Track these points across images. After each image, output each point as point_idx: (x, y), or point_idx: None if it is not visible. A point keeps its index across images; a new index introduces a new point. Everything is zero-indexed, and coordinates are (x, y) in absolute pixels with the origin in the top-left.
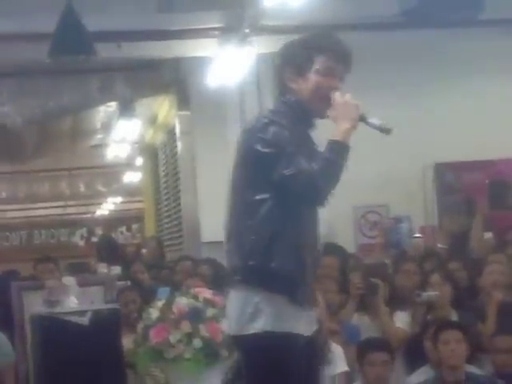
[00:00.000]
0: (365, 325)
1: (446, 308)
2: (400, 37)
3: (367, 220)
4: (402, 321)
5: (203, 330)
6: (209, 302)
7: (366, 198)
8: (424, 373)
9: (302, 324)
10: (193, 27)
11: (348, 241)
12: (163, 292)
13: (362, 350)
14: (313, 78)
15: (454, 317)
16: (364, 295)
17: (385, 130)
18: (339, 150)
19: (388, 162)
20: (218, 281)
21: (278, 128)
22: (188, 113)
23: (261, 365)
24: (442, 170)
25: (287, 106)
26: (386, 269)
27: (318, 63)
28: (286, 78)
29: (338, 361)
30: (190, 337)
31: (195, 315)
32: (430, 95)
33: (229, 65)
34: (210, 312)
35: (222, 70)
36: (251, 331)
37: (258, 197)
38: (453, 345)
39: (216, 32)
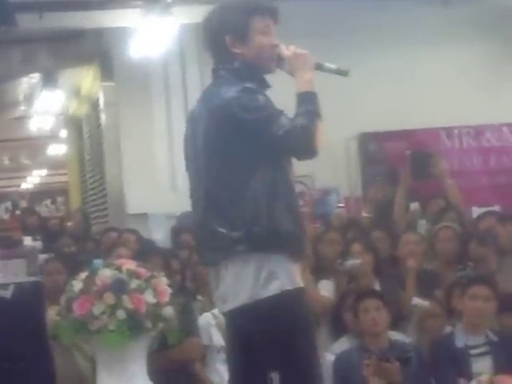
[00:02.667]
0: None
1: (369, 276)
2: (325, 6)
3: None
4: (326, 289)
5: (127, 302)
6: (132, 274)
7: None
8: (347, 342)
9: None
10: None
11: None
12: (97, 264)
13: None
14: (254, 39)
15: (376, 285)
16: None
17: (342, 72)
18: (313, 99)
19: None
20: (142, 252)
21: (253, 93)
22: (112, 84)
23: (284, 323)
24: (366, 140)
25: (238, 72)
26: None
27: (255, 24)
28: (227, 44)
29: None
30: (113, 308)
31: (119, 287)
32: (352, 66)
33: (152, 35)
34: (133, 283)
35: (146, 41)
36: (268, 294)
37: (248, 164)
38: (373, 313)
39: (139, 2)
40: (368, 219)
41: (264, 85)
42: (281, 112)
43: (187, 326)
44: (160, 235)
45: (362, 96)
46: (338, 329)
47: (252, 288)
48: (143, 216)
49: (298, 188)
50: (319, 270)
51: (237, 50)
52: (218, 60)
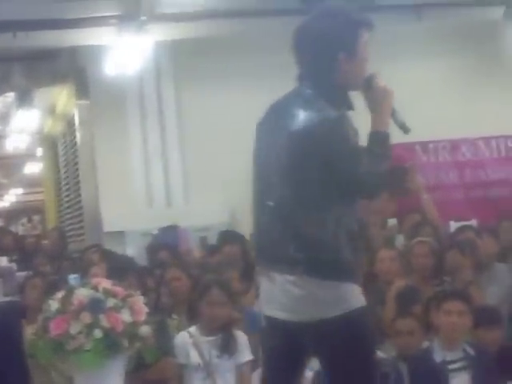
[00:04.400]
0: None
1: None
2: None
3: None
4: None
5: (103, 321)
6: (109, 293)
7: None
8: None
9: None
10: (90, 15)
11: (250, 227)
12: (73, 279)
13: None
14: (360, 54)
15: None
16: None
17: (405, 128)
18: (389, 143)
19: None
20: (118, 270)
21: (342, 123)
22: (87, 102)
23: (354, 339)
24: None
25: (329, 94)
26: None
27: (362, 38)
28: (339, 61)
29: (243, 349)
30: (90, 328)
31: (95, 306)
32: None
33: (127, 53)
34: (110, 302)
35: (121, 59)
36: (336, 313)
37: (320, 189)
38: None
39: (113, 20)
40: None
41: (349, 106)
42: (363, 150)
43: (163, 344)
44: (136, 253)
45: None
46: None
47: (319, 308)
48: (119, 234)
49: None
50: None
51: (346, 67)
52: (313, 72)
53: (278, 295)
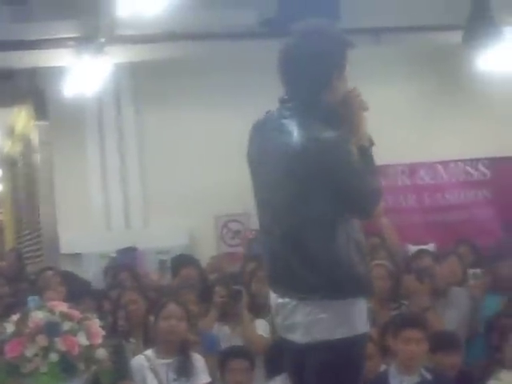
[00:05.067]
0: (225, 334)
1: None
2: (258, 46)
3: (229, 229)
4: (261, 328)
5: (59, 344)
6: (65, 316)
7: (227, 207)
8: (282, 380)
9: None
10: (48, 37)
11: (210, 250)
12: (32, 301)
13: (223, 358)
14: (346, 73)
15: None
16: (227, 303)
17: (370, 142)
18: (373, 157)
19: (248, 170)
20: (74, 293)
21: (344, 143)
22: (46, 123)
23: (344, 365)
24: None
25: (327, 110)
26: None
27: (347, 56)
28: (332, 79)
29: (200, 372)
30: (46, 351)
31: (51, 329)
32: None
33: (85, 75)
34: (66, 325)
35: (79, 80)
36: (338, 336)
37: (330, 213)
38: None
39: (72, 42)
40: None
41: (338, 124)
42: (363, 170)
43: (120, 368)
44: (94, 275)
45: None
46: (274, 368)
47: (324, 329)
48: (77, 256)
49: (235, 227)
50: (254, 309)
51: (336, 86)
52: (301, 92)
53: (289, 318)
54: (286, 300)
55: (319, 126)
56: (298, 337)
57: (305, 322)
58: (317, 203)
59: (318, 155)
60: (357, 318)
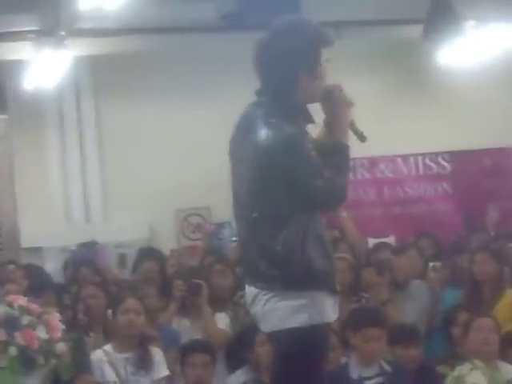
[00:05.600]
0: (185, 328)
1: None
2: (218, 40)
3: (190, 223)
4: (221, 322)
5: (19, 338)
6: (24, 310)
7: (187, 201)
8: (243, 374)
9: (333, 312)
10: (7, 30)
11: (171, 244)
12: None
13: (184, 353)
14: (320, 74)
15: None
16: (187, 297)
17: (363, 138)
18: (348, 153)
19: (209, 164)
20: (34, 287)
21: (300, 140)
22: (5, 116)
23: (300, 355)
24: None
25: (289, 110)
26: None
27: (321, 57)
28: (299, 80)
29: (159, 365)
30: (5, 345)
31: (10, 323)
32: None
33: (45, 68)
34: (25, 320)
35: (39, 74)
36: (294, 325)
37: (285, 207)
38: (269, 345)
39: (32, 35)
40: None
41: (310, 120)
42: (322, 164)
43: (80, 361)
44: (54, 269)
45: None
46: (234, 362)
47: (281, 316)
48: (37, 249)
49: (195, 220)
50: (213, 303)
51: (306, 86)
52: (272, 86)
53: (254, 307)
54: (252, 288)
55: (281, 124)
56: (261, 326)
57: (262, 311)
58: (273, 198)
59: (274, 151)
60: (312, 308)
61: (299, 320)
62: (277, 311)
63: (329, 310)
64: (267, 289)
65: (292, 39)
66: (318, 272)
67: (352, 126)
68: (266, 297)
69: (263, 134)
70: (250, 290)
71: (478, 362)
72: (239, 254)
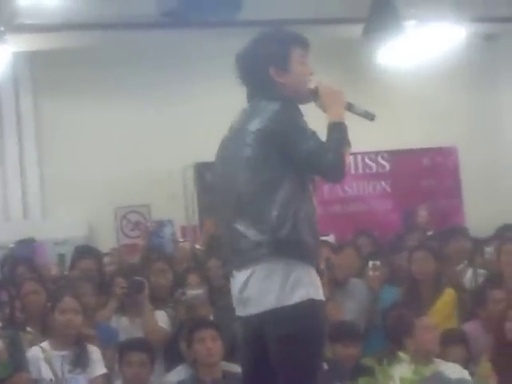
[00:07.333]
0: (123, 326)
1: (206, 307)
2: (158, 37)
3: (129, 220)
4: (161, 320)
5: None
6: None
7: (127, 199)
8: (181, 371)
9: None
10: None
11: (110, 241)
12: None
13: (122, 351)
14: (294, 68)
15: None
16: (128, 294)
17: (369, 116)
18: (344, 129)
19: (148, 162)
20: None
21: (293, 111)
22: None
23: (304, 331)
24: (202, 170)
25: (280, 101)
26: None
27: (294, 54)
28: (271, 75)
29: (96, 363)
30: None
31: None
32: (193, 96)
33: None
34: None
35: None
36: (295, 300)
37: (278, 174)
38: (208, 343)
39: None
40: (201, 251)
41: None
42: (314, 132)
43: (16, 359)
44: None
45: (199, 125)
46: (174, 359)
47: (279, 293)
48: None
49: (134, 218)
50: (153, 301)
51: (280, 80)
52: (257, 89)
53: (244, 293)
54: (242, 272)
55: (274, 102)
56: (252, 309)
57: (256, 292)
58: (268, 165)
59: (267, 121)
60: (309, 283)
61: (300, 294)
62: (273, 290)
63: (320, 287)
64: (256, 258)
65: (264, 42)
66: (307, 246)
67: (352, 108)
68: (261, 276)
69: (257, 115)
70: (238, 276)
71: (403, 355)
72: (226, 244)
